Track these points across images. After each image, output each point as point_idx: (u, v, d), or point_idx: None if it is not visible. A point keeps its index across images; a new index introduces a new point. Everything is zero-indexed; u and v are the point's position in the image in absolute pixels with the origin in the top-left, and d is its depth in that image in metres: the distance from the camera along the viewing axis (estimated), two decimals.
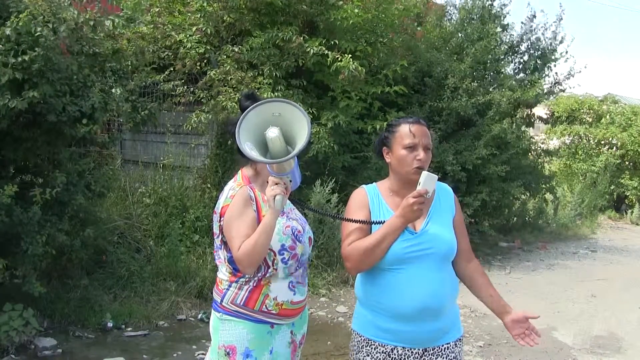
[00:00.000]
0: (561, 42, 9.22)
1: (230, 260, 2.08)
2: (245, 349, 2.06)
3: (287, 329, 2.15)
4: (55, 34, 3.79)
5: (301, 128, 1.90)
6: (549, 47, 9.20)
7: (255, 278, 2.07)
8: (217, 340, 2.11)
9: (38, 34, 3.60)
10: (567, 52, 9.34)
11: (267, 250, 2.01)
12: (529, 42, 9.29)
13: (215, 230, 2.14)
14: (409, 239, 2.06)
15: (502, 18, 8.95)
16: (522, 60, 9.38)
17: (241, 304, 2.07)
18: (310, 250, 2.23)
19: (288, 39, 6.43)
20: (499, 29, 8.65)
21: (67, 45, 4.05)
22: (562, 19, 9.12)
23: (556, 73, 9.43)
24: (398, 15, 7.35)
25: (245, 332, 2.06)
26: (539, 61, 9.17)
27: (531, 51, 9.24)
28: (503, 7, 8.96)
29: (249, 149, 1.87)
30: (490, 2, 8.86)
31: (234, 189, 2.09)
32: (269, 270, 2.07)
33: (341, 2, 6.77)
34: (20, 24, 3.56)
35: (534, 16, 9.20)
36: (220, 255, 2.14)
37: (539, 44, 9.25)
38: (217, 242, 2.15)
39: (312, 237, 2.25)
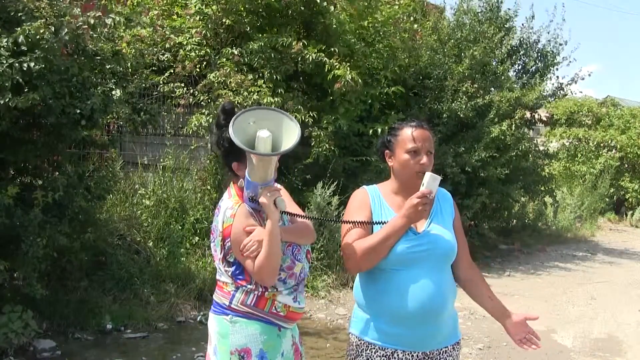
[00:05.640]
0: (561, 45, 9.15)
1: (234, 274, 2.07)
2: (260, 351, 2.03)
3: (290, 333, 2.15)
4: (57, 36, 3.79)
5: (288, 132, 2.00)
6: (550, 50, 9.16)
7: (257, 291, 2.05)
8: (227, 346, 2.05)
9: (39, 36, 3.60)
10: (570, 57, 9.34)
11: (280, 256, 2.00)
12: (527, 44, 9.24)
13: (216, 247, 2.10)
14: (412, 239, 2.05)
15: (506, 21, 8.90)
16: (522, 63, 9.34)
17: (252, 304, 2.05)
18: (308, 263, 2.21)
19: (288, 44, 6.44)
20: (501, 33, 8.60)
21: (65, 47, 4.05)
22: (563, 20, 9.11)
23: (557, 77, 9.35)
24: (386, 20, 7.33)
25: (258, 333, 2.04)
26: (539, 63, 9.12)
27: (530, 53, 9.20)
28: (513, 11, 8.92)
29: (240, 142, 1.94)
30: (497, 5, 8.84)
31: (233, 208, 2.06)
32: (270, 287, 2.06)
33: (331, 7, 6.75)
34: (32, 31, 3.58)
35: (533, 17, 9.19)
36: (221, 268, 2.12)
37: (537, 47, 9.21)
38: (219, 264, 2.11)
39: (310, 249, 2.23)
